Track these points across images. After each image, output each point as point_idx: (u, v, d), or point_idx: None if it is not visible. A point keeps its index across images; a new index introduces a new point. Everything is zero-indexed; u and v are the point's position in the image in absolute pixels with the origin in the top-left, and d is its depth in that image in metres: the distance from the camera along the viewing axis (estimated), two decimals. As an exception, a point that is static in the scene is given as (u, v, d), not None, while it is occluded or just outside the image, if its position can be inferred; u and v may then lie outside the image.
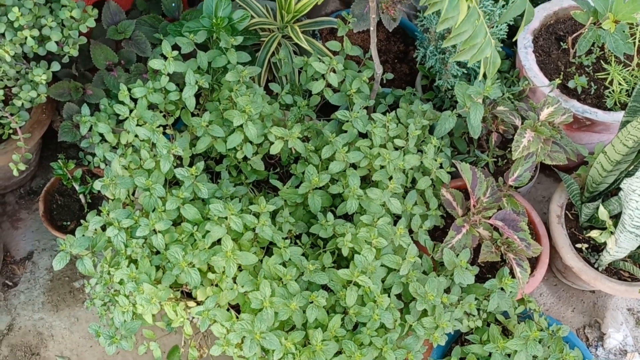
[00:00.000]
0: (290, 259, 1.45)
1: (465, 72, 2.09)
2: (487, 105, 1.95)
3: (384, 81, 2.01)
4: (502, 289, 1.62)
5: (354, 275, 1.43)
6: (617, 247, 1.75)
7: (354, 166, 1.71)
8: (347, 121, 1.74)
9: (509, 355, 1.63)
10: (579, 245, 1.93)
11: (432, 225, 1.66)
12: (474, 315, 1.67)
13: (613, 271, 1.95)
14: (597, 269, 1.92)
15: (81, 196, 1.94)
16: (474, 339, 1.68)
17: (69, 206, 2.02)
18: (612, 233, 1.74)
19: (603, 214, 1.73)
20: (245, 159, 1.74)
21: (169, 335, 1.89)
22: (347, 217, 1.69)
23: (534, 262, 1.87)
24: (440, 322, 1.49)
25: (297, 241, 1.61)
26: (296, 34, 1.98)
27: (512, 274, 1.70)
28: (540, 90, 2.03)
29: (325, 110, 2.04)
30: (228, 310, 1.43)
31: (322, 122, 1.87)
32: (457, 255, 1.58)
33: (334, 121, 1.81)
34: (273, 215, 1.64)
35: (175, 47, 1.77)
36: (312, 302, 1.39)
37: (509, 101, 1.96)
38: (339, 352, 1.41)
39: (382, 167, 1.66)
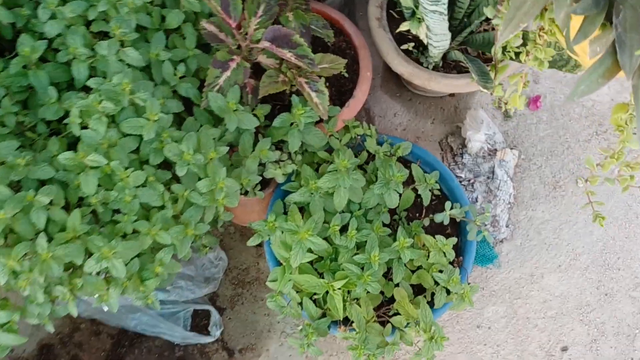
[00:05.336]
0: (-2, 159, 1.14)
1: None
2: None
3: None
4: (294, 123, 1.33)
5: (81, 156, 1.13)
6: (433, 35, 1.45)
7: (89, 24, 1.34)
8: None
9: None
10: (405, 46, 1.63)
11: (193, 67, 1.33)
12: (282, 161, 1.41)
13: (452, 65, 1.67)
14: (433, 68, 1.64)
15: None
16: (291, 187, 1.43)
17: None
18: (420, 20, 1.42)
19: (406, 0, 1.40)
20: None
21: None
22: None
23: (354, 80, 1.57)
24: (217, 182, 1.21)
25: (29, 133, 1.28)
26: None
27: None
28: None
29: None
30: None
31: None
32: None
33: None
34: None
35: None
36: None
37: None
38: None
39: (118, 12, 1.29)
